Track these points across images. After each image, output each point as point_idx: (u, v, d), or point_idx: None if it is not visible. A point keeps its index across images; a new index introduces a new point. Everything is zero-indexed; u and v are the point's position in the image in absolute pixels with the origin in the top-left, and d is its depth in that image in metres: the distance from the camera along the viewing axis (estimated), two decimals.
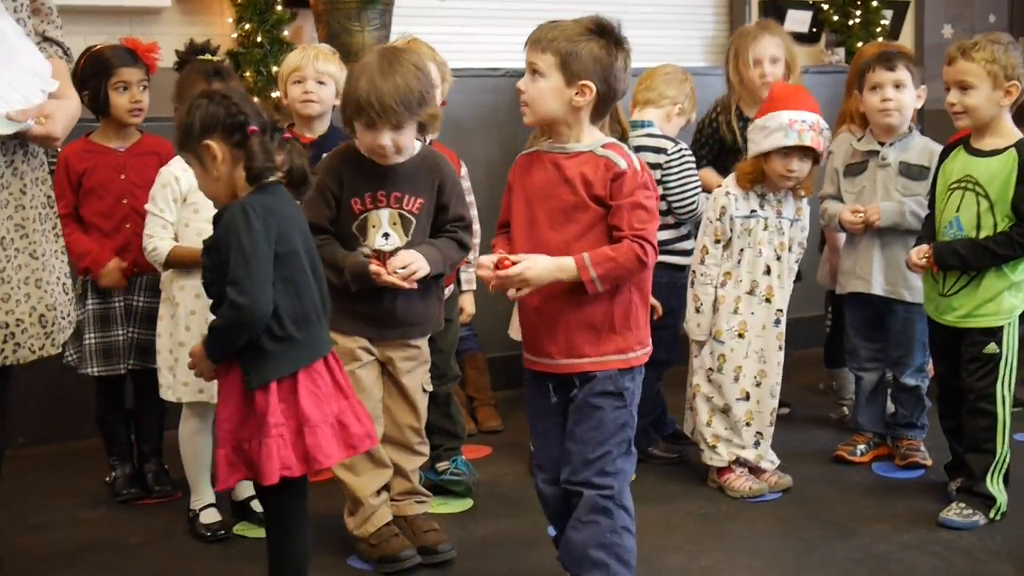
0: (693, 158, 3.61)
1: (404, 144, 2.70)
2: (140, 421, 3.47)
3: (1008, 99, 3.01)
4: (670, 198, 3.52)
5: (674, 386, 3.69)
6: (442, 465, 3.36)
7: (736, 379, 3.33)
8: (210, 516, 3.10)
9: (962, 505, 3.09)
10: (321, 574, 2.75)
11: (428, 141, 2.98)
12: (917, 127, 3.58)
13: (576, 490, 2.46)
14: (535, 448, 2.63)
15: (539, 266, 2.37)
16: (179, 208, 3.03)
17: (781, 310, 3.35)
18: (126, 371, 3.34)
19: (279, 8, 4.13)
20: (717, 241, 3.31)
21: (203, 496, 3.12)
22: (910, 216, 3.39)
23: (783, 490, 3.38)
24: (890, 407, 3.69)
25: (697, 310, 3.35)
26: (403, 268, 2.68)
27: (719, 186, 3.38)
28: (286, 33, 4.16)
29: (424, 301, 2.83)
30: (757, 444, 3.36)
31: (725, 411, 3.34)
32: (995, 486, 3.08)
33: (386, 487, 2.89)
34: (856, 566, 2.85)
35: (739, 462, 3.36)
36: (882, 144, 3.49)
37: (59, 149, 3.14)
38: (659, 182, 3.44)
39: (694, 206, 3.55)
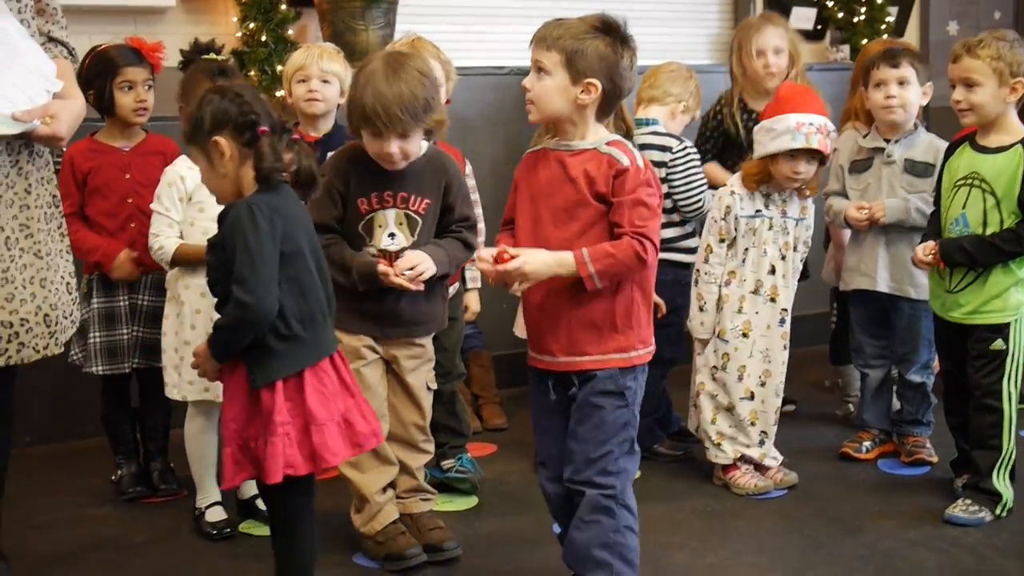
0: (698, 156, 3.60)
1: (411, 151, 2.70)
2: (145, 420, 3.47)
3: (1014, 96, 3.01)
4: (675, 196, 3.51)
5: (679, 384, 3.69)
6: (447, 463, 3.36)
7: (740, 378, 3.32)
8: (216, 514, 3.10)
9: (968, 502, 3.08)
10: (328, 572, 2.75)
11: (433, 140, 2.98)
12: (923, 124, 3.57)
13: (578, 489, 2.46)
14: (538, 445, 2.63)
15: (538, 260, 2.37)
16: (184, 207, 3.03)
17: (786, 310, 3.34)
18: (131, 370, 3.34)
19: (283, 7, 4.13)
20: (722, 240, 3.30)
21: (209, 494, 3.12)
22: (915, 213, 3.38)
23: (788, 487, 3.37)
24: (896, 404, 3.69)
25: (701, 309, 3.34)
26: (410, 270, 2.68)
27: (724, 184, 3.38)
28: (290, 32, 4.16)
29: (429, 300, 2.83)
30: (762, 443, 3.36)
31: (729, 409, 3.34)
32: (1001, 482, 3.08)
33: (392, 485, 2.89)
34: (862, 563, 2.84)
35: (744, 459, 3.36)
36: (887, 141, 3.48)
37: (64, 149, 3.15)
38: (664, 180, 3.43)
39: (699, 204, 3.54)
